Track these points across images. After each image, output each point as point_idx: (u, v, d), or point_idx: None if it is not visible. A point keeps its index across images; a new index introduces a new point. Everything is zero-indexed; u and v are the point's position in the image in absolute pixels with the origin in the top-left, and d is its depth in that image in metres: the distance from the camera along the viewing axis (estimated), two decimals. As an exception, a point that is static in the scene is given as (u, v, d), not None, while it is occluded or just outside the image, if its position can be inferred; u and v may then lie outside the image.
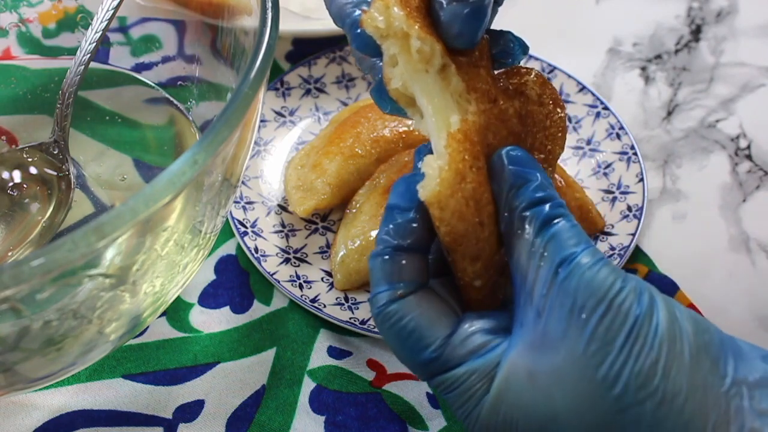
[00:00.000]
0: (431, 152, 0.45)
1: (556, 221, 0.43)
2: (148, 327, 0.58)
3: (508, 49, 0.48)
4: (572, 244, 0.42)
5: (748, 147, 0.69)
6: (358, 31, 0.45)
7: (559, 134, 0.47)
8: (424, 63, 0.43)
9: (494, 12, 0.49)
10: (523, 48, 0.49)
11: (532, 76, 0.47)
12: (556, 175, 0.61)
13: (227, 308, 0.60)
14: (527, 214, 0.43)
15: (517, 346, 0.43)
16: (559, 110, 0.47)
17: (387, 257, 0.44)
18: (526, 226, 0.43)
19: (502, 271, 0.46)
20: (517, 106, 0.46)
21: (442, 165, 0.43)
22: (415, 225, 0.44)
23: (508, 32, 0.49)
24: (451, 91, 0.44)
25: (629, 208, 0.63)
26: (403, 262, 0.44)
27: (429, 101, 0.44)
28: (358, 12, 0.45)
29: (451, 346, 0.44)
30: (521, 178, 0.44)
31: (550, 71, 0.70)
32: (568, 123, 0.68)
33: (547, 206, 0.43)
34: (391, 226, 0.45)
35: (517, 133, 0.46)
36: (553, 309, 0.41)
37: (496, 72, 0.48)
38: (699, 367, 0.41)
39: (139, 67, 0.66)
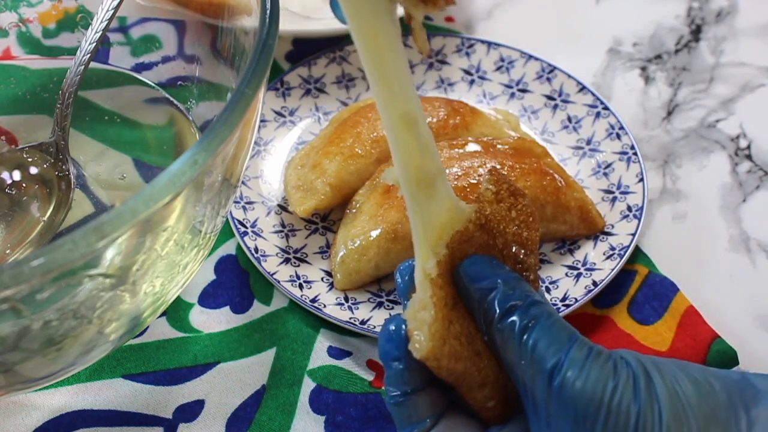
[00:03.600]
0: (413, 273, 0.44)
1: (531, 327, 0.42)
2: (148, 327, 0.58)
3: None
4: (555, 349, 0.41)
5: (748, 147, 0.69)
6: None
7: (530, 219, 0.47)
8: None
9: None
10: None
11: (486, 176, 0.47)
12: (555, 175, 0.61)
13: (227, 308, 0.60)
14: (503, 326, 0.43)
15: None
16: (520, 199, 0.47)
17: (399, 402, 0.45)
18: (507, 340, 0.43)
19: (509, 377, 0.46)
20: (473, 218, 0.45)
21: (429, 320, 0.42)
22: (413, 371, 0.44)
23: None
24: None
25: (629, 208, 0.63)
26: (415, 403, 0.45)
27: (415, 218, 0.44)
28: None
29: None
30: (484, 290, 0.43)
31: (550, 71, 0.70)
32: (568, 123, 0.68)
33: (518, 313, 0.42)
34: (391, 375, 0.45)
35: (483, 244, 0.45)
36: (558, 418, 0.41)
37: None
38: None
39: (139, 67, 0.66)
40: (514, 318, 0.42)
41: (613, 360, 0.41)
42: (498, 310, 0.43)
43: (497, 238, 0.46)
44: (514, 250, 0.46)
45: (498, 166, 0.59)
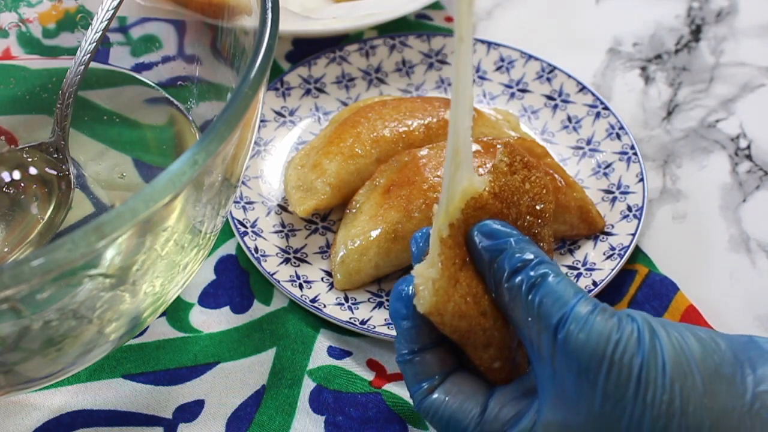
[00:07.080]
0: (428, 240, 0.46)
1: (538, 284, 0.43)
2: (148, 327, 0.58)
3: None
4: (561, 304, 0.42)
5: (748, 147, 0.69)
6: None
7: (544, 191, 0.48)
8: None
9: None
10: None
11: (500, 149, 0.48)
12: (556, 175, 0.61)
13: (227, 308, 0.60)
14: (511, 284, 0.44)
15: (545, 406, 0.43)
16: (534, 171, 0.48)
17: (408, 360, 0.47)
18: (515, 298, 0.44)
19: (518, 342, 0.47)
20: (488, 187, 0.46)
21: (435, 276, 0.44)
22: (420, 330, 0.46)
23: None
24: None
25: (629, 208, 0.63)
26: (423, 361, 0.46)
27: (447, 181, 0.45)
28: None
29: (487, 423, 0.45)
30: (495, 251, 0.44)
31: (550, 71, 0.70)
32: (568, 123, 0.68)
33: (526, 272, 0.43)
34: (400, 334, 0.47)
35: (496, 213, 0.46)
36: (563, 371, 0.42)
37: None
38: (715, 393, 0.41)
39: (139, 67, 0.66)
40: (521, 277, 0.43)
41: (618, 316, 0.42)
42: (506, 269, 0.44)
43: (511, 209, 0.47)
44: (528, 221, 0.48)
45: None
